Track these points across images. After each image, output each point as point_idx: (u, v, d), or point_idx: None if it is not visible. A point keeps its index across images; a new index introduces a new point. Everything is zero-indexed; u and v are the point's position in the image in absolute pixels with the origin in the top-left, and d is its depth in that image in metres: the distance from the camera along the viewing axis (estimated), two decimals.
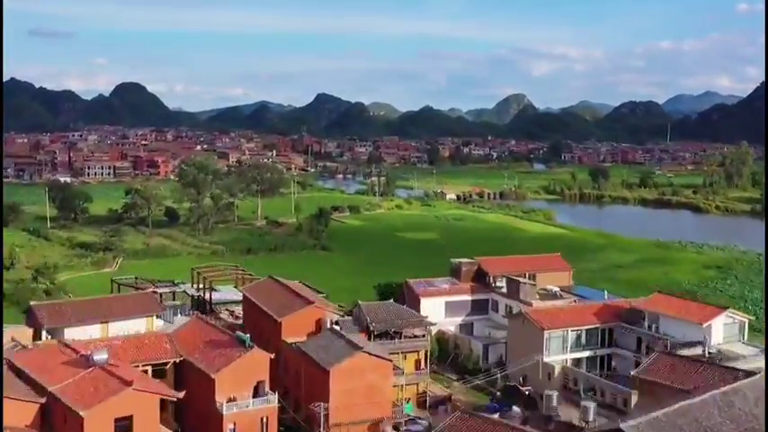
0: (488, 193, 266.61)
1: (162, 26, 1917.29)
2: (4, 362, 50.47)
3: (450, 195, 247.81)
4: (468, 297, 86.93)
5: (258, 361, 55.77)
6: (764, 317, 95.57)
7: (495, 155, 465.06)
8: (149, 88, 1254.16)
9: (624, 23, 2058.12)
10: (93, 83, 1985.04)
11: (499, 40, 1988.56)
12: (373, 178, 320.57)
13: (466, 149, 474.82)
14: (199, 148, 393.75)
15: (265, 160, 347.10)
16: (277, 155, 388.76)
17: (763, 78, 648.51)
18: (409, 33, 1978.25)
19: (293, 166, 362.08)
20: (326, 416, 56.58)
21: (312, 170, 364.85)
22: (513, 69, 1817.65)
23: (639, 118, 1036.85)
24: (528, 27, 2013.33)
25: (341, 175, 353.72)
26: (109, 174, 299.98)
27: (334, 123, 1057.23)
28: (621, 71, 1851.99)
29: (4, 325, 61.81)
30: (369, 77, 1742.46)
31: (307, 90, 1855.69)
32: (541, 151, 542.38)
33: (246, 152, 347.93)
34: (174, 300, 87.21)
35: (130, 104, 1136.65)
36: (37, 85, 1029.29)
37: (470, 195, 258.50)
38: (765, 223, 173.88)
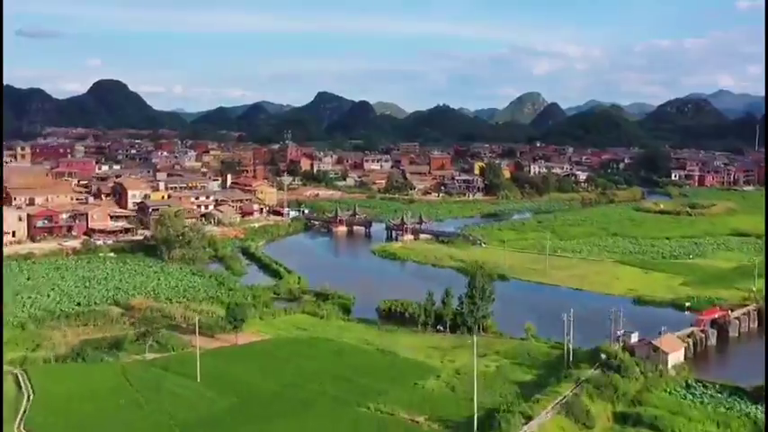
0: (728, 318, 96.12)
1: (159, 27, 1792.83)
2: None
3: (677, 355, 77.74)
4: None
5: None
6: (765, 315, 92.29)
7: (581, 175, 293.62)
8: (140, 89, 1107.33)
9: (628, 23, 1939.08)
10: (88, 84, 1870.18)
11: (502, 40, 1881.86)
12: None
13: (536, 168, 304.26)
14: (105, 168, 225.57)
15: (191, 201, 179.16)
16: (234, 182, 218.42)
17: None
18: (411, 34, 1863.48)
19: (257, 206, 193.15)
20: None
21: (293, 214, 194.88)
22: (518, 69, 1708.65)
23: (690, 118, 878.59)
24: (530, 27, 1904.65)
25: (343, 228, 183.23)
26: None
27: (336, 125, 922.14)
28: (626, 70, 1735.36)
29: None
30: (371, 78, 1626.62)
31: (308, 91, 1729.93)
32: (621, 164, 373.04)
33: (162, 186, 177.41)
34: None
35: (108, 104, 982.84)
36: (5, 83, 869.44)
37: (704, 334, 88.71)
38: (765, 225, 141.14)
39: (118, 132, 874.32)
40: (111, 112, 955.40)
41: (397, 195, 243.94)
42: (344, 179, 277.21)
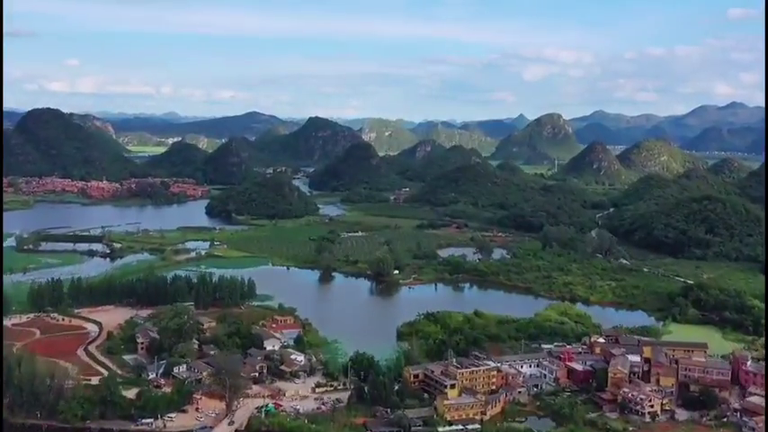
0: None
1: (147, 27, 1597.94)
2: None
3: None
4: None
5: None
6: (765, 320, 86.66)
7: None
8: (127, 89, 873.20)
9: (622, 31, 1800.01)
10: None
11: (496, 46, 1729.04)
12: None
13: None
14: None
15: None
16: None
17: None
18: (407, 38, 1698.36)
19: None
20: None
21: None
22: (511, 76, 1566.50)
23: None
24: (524, 34, 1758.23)
25: None
26: None
27: (330, 173, 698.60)
28: (620, 78, 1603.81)
29: None
30: (367, 81, 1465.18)
31: (301, 96, 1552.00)
32: None
33: None
34: None
35: (42, 141, 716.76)
36: None
37: None
38: (765, 229, 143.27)
39: (42, 184, 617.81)
40: (44, 152, 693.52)
41: None
42: None
